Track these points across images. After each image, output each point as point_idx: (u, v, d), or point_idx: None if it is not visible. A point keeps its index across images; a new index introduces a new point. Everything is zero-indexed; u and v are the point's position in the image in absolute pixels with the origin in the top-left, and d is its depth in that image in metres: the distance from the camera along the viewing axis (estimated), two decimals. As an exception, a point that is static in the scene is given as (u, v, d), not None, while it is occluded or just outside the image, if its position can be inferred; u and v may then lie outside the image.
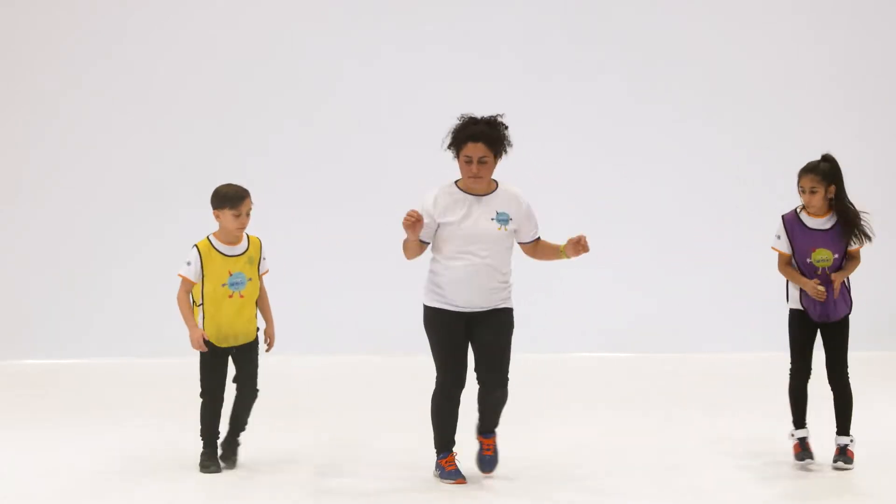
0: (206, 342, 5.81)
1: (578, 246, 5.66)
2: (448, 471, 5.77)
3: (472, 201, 5.70)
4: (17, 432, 6.85)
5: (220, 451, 5.96)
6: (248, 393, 5.99)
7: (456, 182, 5.79)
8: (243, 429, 6.03)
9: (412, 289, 9.81)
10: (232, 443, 6.01)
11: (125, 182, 9.98)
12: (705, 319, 9.85)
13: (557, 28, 10.06)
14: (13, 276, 9.93)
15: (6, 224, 9.94)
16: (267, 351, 6.07)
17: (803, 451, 5.97)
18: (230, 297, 5.84)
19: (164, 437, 6.70)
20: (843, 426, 5.98)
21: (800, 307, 6.00)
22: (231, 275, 5.85)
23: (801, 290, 5.94)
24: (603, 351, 9.86)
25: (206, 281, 5.84)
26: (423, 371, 8.87)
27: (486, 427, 5.89)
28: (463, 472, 5.77)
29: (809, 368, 6.03)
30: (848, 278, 6.00)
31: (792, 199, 9.72)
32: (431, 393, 5.86)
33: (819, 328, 6.02)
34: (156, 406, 7.68)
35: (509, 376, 5.76)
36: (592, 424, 6.98)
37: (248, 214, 5.93)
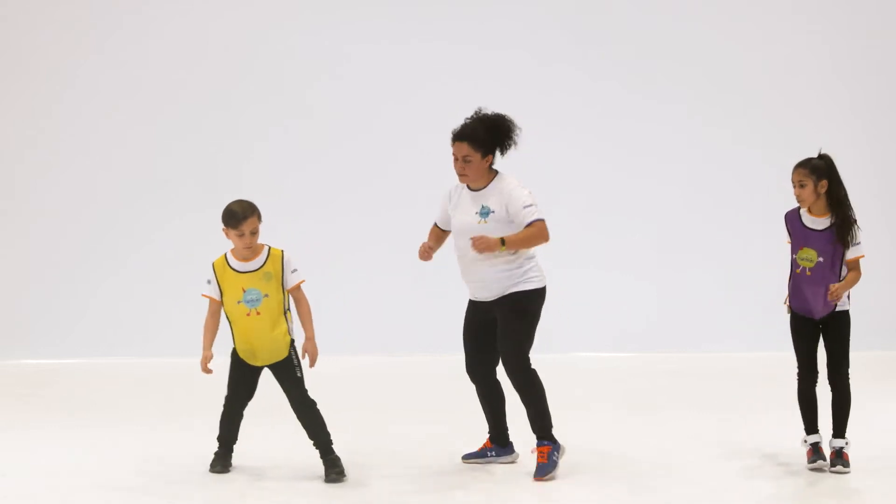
0: (235, 357, 5.78)
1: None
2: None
3: (470, 196, 5.88)
4: (17, 432, 6.84)
5: (230, 453, 5.96)
6: (302, 411, 5.81)
7: None
8: (326, 442, 5.82)
9: (414, 289, 9.88)
10: (326, 461, 5.79)
11: (125, 182, 9.97)
12: (706, 319, 9.84)
13: (560, 26, 10.07)
14: (13, 277, 9.92)
15: (5, 224, 9.94)
16: (311, 367, 5.77)
17: (815, 454, 5.85)
18: (248, 314, 5.68)
19: (164, 436, 6.70)
20: (840, 429, 5.89)
21: (793, 305, 5.93)
22: (245, 291, 5.68)
23: (791, 288, 5.90)
24: (604, 351, 9.86)
25: (224, 299, 5.75)
26: (425, 371, 8.90)
27: (534, 430, 5.86)
28: (475, 457, 6.09)
29: (815, 372, 5.90)
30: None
31: (781, 201, 9.70)
32: None
33: (821, 327, 5.88)
34: (156, 406, 7.68)
35: (525, 365, 5.77)
36: (593, 424, 6.98)
37: (252, 234, 5.65)
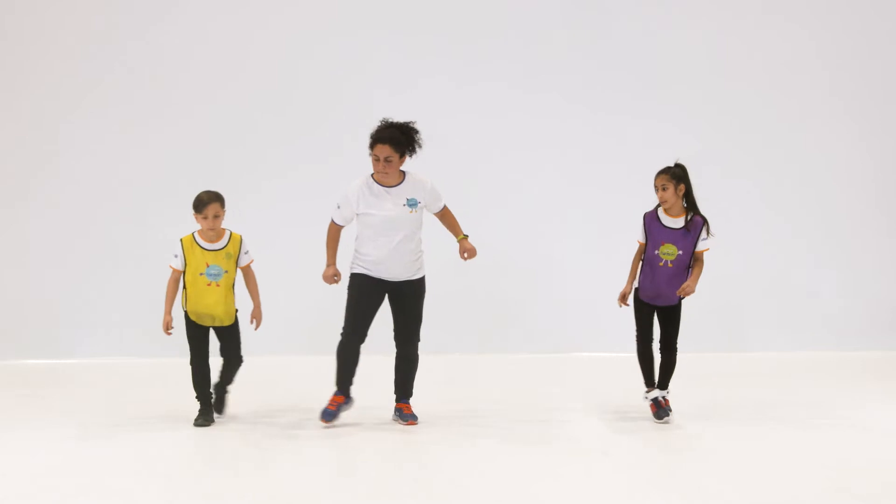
0: (189, 319, 6.88)
1: (463, 254, 6.84)
2: (325, 408, 6.86)
3: (385, 192, 6.71)
4: (17, 432, 6.85)
5: (212, 407, 7.01)
6: (232, 363, 7.04)
7: (372, 175, 6.75)
8: (230, 382, 7.10)
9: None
10: (220, 395, 7.09)
11: (126, 183, 9.99)
12: (705, 319, 9.85)
13: (553, 47, 10.14)
14: (13, 277, 9.93)
15: (7, 225, 9.95)
16: (255, 329, 7.00)
17: (659, 409, 6.92)
18: (208, 285, 6.83)
19: (164, 436, 6.70)
20: (665, 383, 6.97)
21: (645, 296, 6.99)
22: (208, 266, 6.81)
23: (640, 279, 6.95)
24: (603, 351, 9.86)
25: (187, 269, 6.85)
26: (423, 371, 8.89)
27: (405, 394, 7.01)
28: (335, 417, 6.79)
29: (651, 338, 7.00)
30: (690, 272, 6.87)
31: (781, 202, 9.70)
32: (338, 343, 6.85)
33: (655, 310, 6.97)
34: (156, 406, 7.68)
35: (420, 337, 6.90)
36: (592, 424, 6.98)
37: (215, 217, 6.74)
